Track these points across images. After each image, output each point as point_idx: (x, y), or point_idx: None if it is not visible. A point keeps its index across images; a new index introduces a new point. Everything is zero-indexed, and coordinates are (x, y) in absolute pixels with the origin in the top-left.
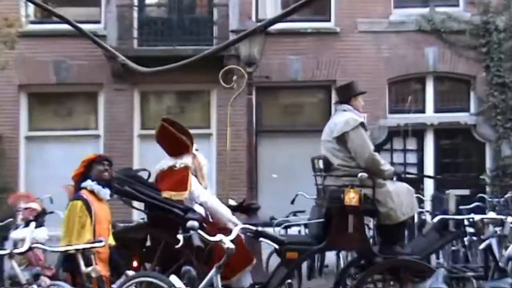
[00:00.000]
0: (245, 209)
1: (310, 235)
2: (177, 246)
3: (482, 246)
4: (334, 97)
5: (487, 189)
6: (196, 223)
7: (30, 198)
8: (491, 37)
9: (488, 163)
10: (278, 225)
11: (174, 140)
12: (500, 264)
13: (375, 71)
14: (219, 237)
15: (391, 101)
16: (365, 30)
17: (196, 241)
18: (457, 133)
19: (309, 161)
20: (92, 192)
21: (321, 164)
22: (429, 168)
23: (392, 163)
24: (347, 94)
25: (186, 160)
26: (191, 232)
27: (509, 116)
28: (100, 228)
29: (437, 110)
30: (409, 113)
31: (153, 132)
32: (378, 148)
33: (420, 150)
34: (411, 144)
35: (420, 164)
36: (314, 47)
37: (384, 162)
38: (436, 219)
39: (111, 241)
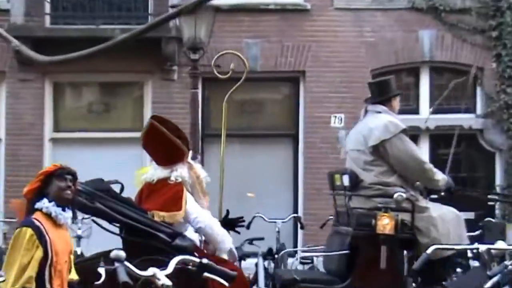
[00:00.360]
0: None
1: (328, 271)
2: (96, 283)
3: (488, 285)
4: (303, 92)
5: (497, 211)
6: (122, 253)
7: None
8: (504, 17)
9: (499, 178)
10: None
11: (167, 145)
12: None
13: (356, 60)
14: (152, 271)
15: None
16: (343, 7)
17: (122, 276)
18: (460, 139)
19: (270, 171)
20: (48, 215)
21: (345, 180)
22: None
23: None
24: (386, 94)
25: (181, 171)
26: (116, 264)
27: None
28: (58, 262)
29: (434, 110)
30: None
31: (69, 135)
32: None
33: None
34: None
35: None
36: (278, 29)
37: (437, 171)
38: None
39: (73, 276)
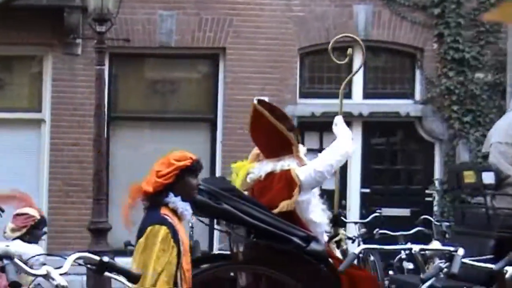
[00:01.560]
0: None
1: (465, 278)
2: None
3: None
4: (223, 72)
5: (435, 208)
6: (11, 250)
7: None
8: None
9: (438, 171)
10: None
11: (272, 134)
12: None
13: (283, 37)
14: (45, 269)
15: (303, 80)
16: None
17: (11, 275)
18: (396, 128)
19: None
20: (174, 211)
21: (486, 177)
22: (354, 176)
23: None
24: None
25: (290, 163)
26: (5, 261)
27: (469, 106)
28: (185, 261)
29: (368, 95)
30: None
31: None
32: None
33: None
34: (331, 141)
35: (342, 170)
36: None
37: None
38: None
39: None
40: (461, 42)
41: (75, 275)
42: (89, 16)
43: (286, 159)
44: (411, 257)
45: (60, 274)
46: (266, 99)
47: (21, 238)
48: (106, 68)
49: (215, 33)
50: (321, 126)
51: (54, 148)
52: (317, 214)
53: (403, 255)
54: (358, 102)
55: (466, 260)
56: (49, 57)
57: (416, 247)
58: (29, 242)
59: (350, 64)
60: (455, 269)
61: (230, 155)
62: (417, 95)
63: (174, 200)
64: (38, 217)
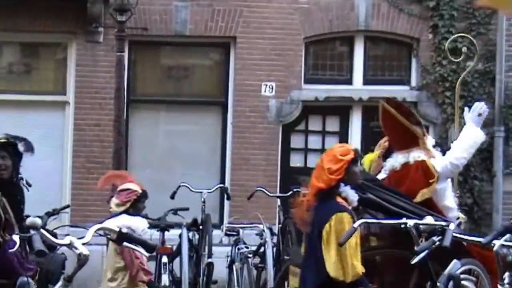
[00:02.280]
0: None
1: None
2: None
3: (416, 259)
4: (233, 59)
5: None
6: (38, 220)
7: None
8: None
9: None
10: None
11: (400, 129)
12: (438, 284)
13: (289, 27)
14: (68, 239)
15: (308, 67)
16: None
17: (37, 243)
18: None
19: (197, 140)
20: (345, 199)
21: None
22: None
23: (306, 149)
24: None
25: (419, 154)
26: (32, 232)
27: (461, 93)
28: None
29: (367, 81)
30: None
31: None
32: (289, 128)
33: (343, 133)
34: (333, 124)
35: None
36: None
37: None
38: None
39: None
40: (454, 32)
41: (96, 245)
42: (110, 6)
43: (415, 150)
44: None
45: (83, 244)
46: (274, 84)
47: (126, 212)
48: (125, 55)
49: (226, 23)
50: (324, 110)
51: (77, 128)
52: (450, 200)
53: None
54: (358, 88)
55: (456, 234)
56: (73, 44)
57: (411, 222)
58: (133, 215)
59: (351, 52)
60: (447, 242)
61: (240, 136)
62: (413, 82)
63: (345, 190)
64: (140, 191)
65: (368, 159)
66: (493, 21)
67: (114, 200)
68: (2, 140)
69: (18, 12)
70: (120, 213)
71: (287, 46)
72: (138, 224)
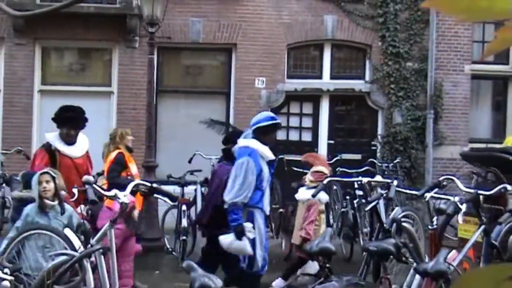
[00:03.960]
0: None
1: None
2: (72, 199)
3: (368, 207)
4: (234, 60)
5: (378, 154)
6: (91, 178)
7: (320, 160)
8: (388, 7)
9: (380, 130)
10: (176, 183)
11: None
12: (385, 225)
13: (275, 36)
14: (114, 192)
15: (289, 66)
16: None
17: (91, 195)
18: (352, 99)
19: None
20: None
21: None
22: (323, 132)
23: (288, 127)
24: None
25: None
26: (86, 186)
27: (402, 85)
28: None
29: (333, 76)
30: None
31: (53, 87)
32: (276, 111)
33: (315, 115)
34: (307, 108)
35: (315, 129)
36: (216, 10)
37: None
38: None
39: None
40: (397, 41)
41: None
42: (143, 21)
43: None
44: (361, 186)
45: (124, 196)
46: (264, 79)
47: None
48: (155, 57)
49: (229, 33)
50: (301, 98)
51: (119, 111)
52: None
53: (356, 185)
54: (326, 81)
55: (398, 188)
56: (116, 49)
57: (365, 179)
58: None
59: (321, 55)
60: (392, 194)
61: (239, 118)
62: (367, 77)
63: None
64: (328, 174)
65: (509, 142)
66: (426, 33)
67: (309, 177)
68: None
69: (77, 25)
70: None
71: (274, 51)
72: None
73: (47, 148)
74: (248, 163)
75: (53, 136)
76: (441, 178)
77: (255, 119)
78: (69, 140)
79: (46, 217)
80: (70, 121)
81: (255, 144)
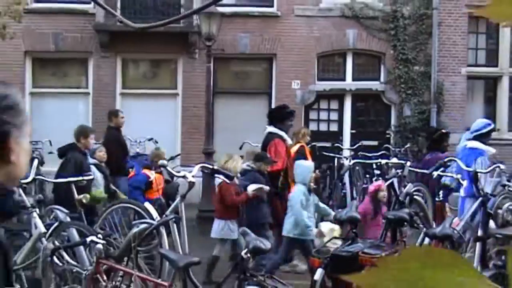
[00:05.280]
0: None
1: None
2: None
3: (386, 184)
4: (275, 67)
5: (391, 141)
6: (165, 162)
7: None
8: (398, 22)
9: (393, 121)
10: None
11: None
12: (400, 198)
13: (307, 47)
14: (183, 173)
15: (319, 71)
16: (300, 14)
17: (165, 176)
18: (370, 97)
19: (253, 116)
20: None
21: None
22: (347, 124)
23: (318, 120)
24: None
25: None
26: (162, 169)
27: (410, 85)
28: None
29: (354, 78)
30: None
31: (132, 91)
32: (308, 107)
33: (340, 110)
34: (334, 105)
35: (340, 121)
36: (259, 27)
37: None
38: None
39: None
40: (406, 49)
41: (198, 177)
42: (202, 37)
43: None
44: (379, 167)
45: (192, 176)
46: (299, 81)
47: None
48: (211, 65)
49: (270, 45)
50: (328, 96)
51: (184, 109)
52: None
53: (374, 166)
54: (349, 82)
55: (411, 168)
56: (180, 60)
57: (383, 161)
58: None
59: (344, 61)
60: (406, 172)
61: None
62: (382, 79)
63: None
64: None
65: None
66: (429, 42)
67: None
68: None
69: (149, 41)
70: None
71: (306, 59)
72: None
73: (282, 139)
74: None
75: (276, 129)
76: (446, 159)
77: (475, 126)
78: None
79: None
80: (292, 115)
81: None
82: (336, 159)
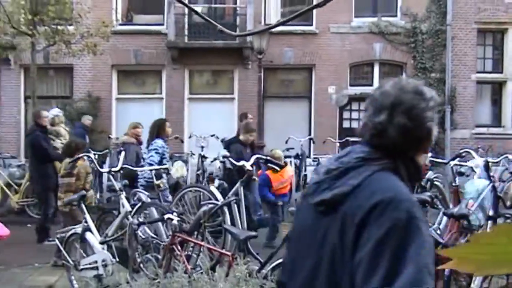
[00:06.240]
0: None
1: None
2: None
3: None
4: (314, 75)
5: None
6: (227, 153)
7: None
8: (417, 37)
9: None
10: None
11: None
12: (422, 183)
13: (341, 59)
14: (242, 162)
15: (351, 78)
16: (335, 31)
17: (228, 165)
18: None
19: (296, 117)
20: None
21: None
22: None
23: (350, 119)
24: None
25: None
26: (224, 159)
27: None
28: None
29: None
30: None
31: (197, 96)
32: (342, 108)
33: None
34: (363, 106)
35: None
36: (301, 43)
37: None
38: None
39: None
40: (424, 59)
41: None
42: (254, 51)
43: None
44: None
45: (251, 165)
46: (334, 87)
47: None
48: (262, 74)
49: (310, 58)
50: (359, 99)
51: (239, 110)
52: None
53: None
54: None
55: (431, 158)
56: (236, 70)
57: None
58: None
59: (372, 70)
60: (427, 162)
61: (317, 113)
62: None
63: None
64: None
65: None
66: (444, 53)
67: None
68: None
69: (211, 55)
70: None
71: (341, 68)
72: None
73: None
74: None
75: None
76: (461, 151)
77: None
78: None
79: None
80: None
81: None
82: None
